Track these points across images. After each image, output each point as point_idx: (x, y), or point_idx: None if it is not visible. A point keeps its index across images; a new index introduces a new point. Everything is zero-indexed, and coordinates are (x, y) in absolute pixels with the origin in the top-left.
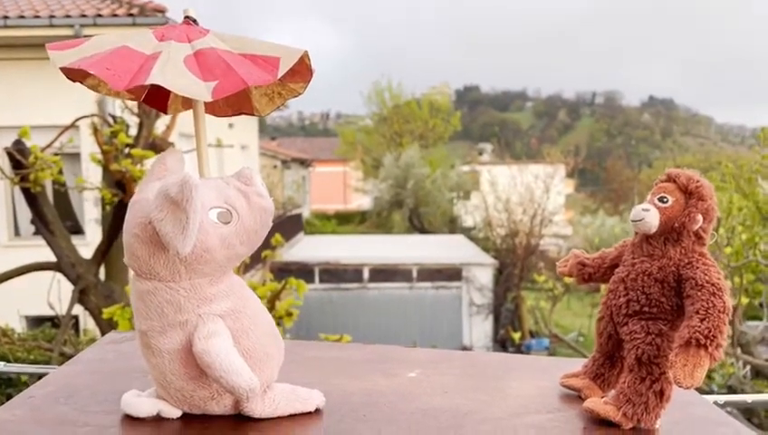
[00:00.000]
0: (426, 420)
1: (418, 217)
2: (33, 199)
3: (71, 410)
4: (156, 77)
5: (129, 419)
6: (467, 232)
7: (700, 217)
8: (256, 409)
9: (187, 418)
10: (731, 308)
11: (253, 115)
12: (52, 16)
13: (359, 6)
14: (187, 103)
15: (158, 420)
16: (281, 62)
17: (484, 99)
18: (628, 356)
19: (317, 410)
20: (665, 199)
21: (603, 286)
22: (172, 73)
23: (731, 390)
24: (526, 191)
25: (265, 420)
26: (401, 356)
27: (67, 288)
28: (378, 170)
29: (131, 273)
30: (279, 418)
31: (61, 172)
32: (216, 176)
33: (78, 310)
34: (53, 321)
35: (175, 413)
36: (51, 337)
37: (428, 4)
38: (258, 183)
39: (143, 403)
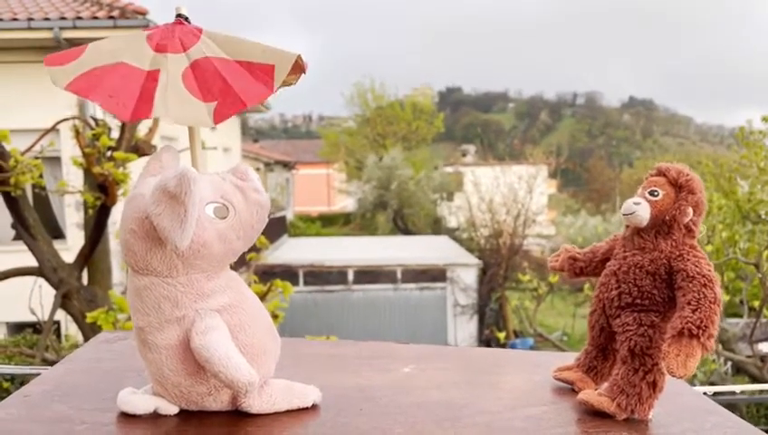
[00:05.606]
0: (422, 413)
1: (402, 218)
2: (13, 203)
3: (67, 409)
4: (159, 109)
5: (127, 416)
6: (451, 233)
7: (690, 210)
8: (254, 404)
9: (184, 414)
10: (722, 299)
11: None
12: (30, 19)
13: (339, 9)
14: None
15: (155, 416)
16: (275, 71)
17: (467, 100)
18: (620, 348)
19: (314, 406)
20: (655, 193)
21: (587, 286)
22: (173, 100)
23: (713, 386)
24: (509, 192)
25: (263, 416)
26: (394, 352)
27: (49, 293)
28: (361, 172)
29: (129, 269)
30: (276, 413)
31: (41, 176)
32: (210, 172)
33: (59, 315)
34: (35, 327)
35: (172, 410)
36: (32, 343)
37: (409, 6)
38: (254, 178)
39: (140, 400)
